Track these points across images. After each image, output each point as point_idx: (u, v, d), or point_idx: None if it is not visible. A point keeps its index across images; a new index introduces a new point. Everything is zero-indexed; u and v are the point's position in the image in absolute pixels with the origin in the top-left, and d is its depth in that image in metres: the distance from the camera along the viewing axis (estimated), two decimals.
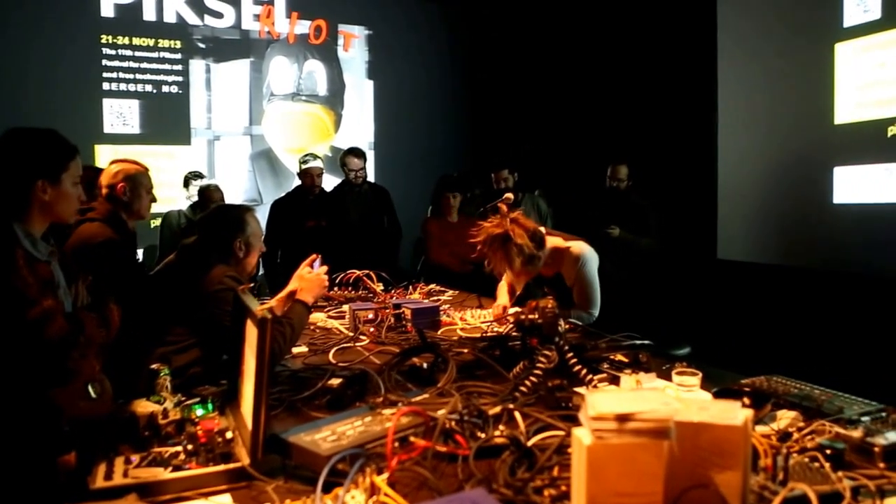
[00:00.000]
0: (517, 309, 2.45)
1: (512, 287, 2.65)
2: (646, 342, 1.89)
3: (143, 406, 1.31)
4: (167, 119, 5.33)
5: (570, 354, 1.54)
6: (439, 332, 2.25)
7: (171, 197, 4.80)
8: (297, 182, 4.39)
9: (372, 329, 2.23)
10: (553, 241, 2.38)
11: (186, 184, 4.51)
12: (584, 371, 1.53)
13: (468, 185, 4.42)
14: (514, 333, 1.89)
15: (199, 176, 4.52)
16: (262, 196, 5.69)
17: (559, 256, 2.36)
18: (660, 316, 3.43)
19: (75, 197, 1.50)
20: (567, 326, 2.05)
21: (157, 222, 4.74)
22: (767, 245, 4.28)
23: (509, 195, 2.79)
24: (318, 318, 2.49)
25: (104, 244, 2.16)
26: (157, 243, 4.40)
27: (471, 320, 2.43)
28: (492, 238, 2.20)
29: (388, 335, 2.19)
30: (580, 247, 2.35)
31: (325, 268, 2.01)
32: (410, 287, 3.19)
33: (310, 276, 1.94)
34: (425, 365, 1.66)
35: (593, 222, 4.13)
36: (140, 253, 4.15)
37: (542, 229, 2.37)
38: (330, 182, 4.84)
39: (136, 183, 2.31)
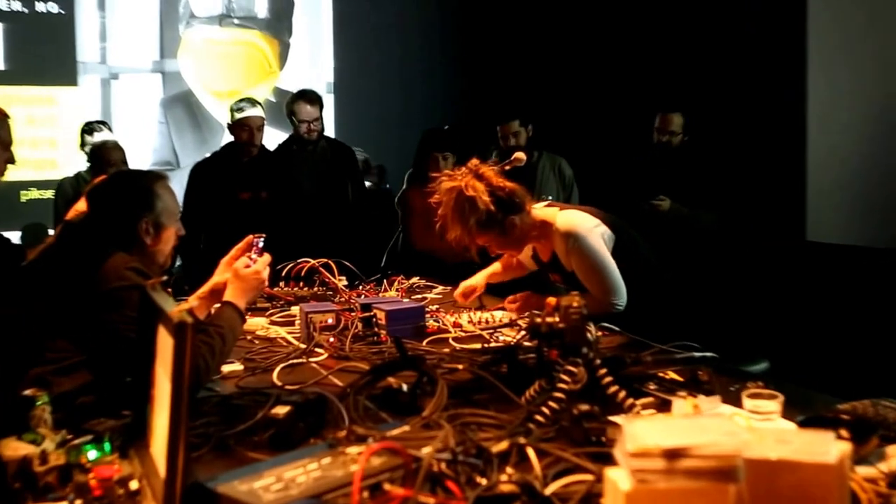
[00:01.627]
0: (505, 304, 2.59)
1: (510, 265, 2.76)
2: (707, 354, 1.90)
3: (13, 448, 1.30)
4: (44, 50, 5.26)
5: (604, 371, 1.55)
6: (425, 343, 2.27)
7: (50, 160, 4.77)
8: (228, 138, 4.38)
9: (332, 339, 2.23)
10: (544, 213, 2.47)
11: (84, 141, 4.44)
12: (622, 393, 1.54)
13: (463, 142, 4.42)
14: (526, 343, 1.90)
15: (102, 128, 4.45)
16: (179, 158, 5.67)
17: (549, 232, 2.44)
18: (727, 319, 3.47)
19: None
20: (599, 333, 2.07)
21: (44, 194, 4.72)
22: (877, 225, 4.31)
23: (520, 155, 2.80)
24: (257, 324, 2.49)
25: None
26: (51, 222, 4.37)
27: (469, 326, 2.45)
28: (445, 193, 2.33)
29: (355, 347, 2.20)
30: (569, 219, 2.42)
31: (267, 256, 2.01)
32: (385, 282, 3.21)
33: (246, 271, 1.93)
34: (405, 387, 1.67)
35: (635, 191, 4.15)
36: (15, 237, 4.13)
37: (542, 203, 2.51)
38: (273, 138, 4.82)
39: None
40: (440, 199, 2.36)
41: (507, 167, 2.67)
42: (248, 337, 2.35)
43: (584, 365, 1.54)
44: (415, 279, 3.37)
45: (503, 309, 2.63)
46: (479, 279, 2.76)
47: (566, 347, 1.55)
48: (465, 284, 2.75)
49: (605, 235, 2.41)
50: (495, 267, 2.81)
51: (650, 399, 1.60)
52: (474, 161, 2.40)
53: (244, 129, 4.17)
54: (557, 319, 1.56)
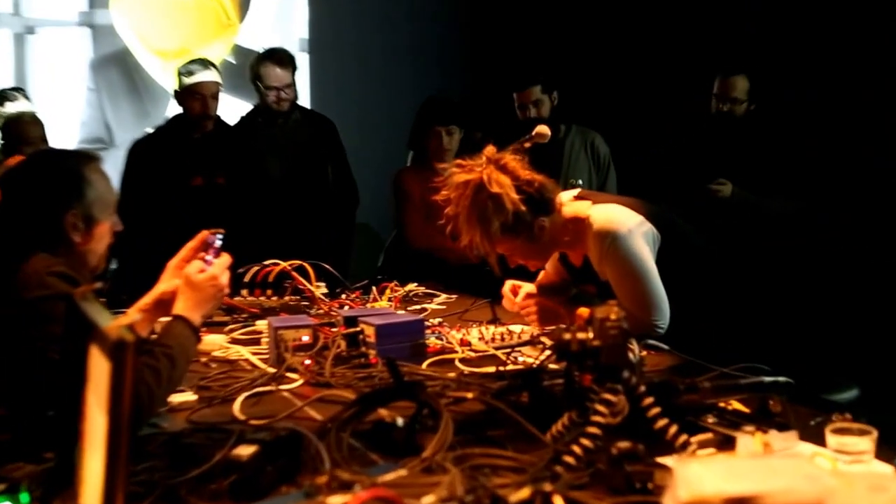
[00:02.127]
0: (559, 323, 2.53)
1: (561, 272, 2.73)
2: (781, 379, 1.90)
3: None
4: None
5: (650, 400, 1.55)
6: (425, 365, 2.28)
7: None
8: (176, 109, 4.40)
9: (308, 361, 2.24)
10: (575, 209, 2.47)
11: None
12: (672, 428, 1.54)
13: (473, 114, 4.43)
14: (552, 365, 1.90)
15: (16, 97, 4.45)
16: (114, 134, 5.67)
17: (582, 233, 2.45)
18: (805, 335, 3.46)
19: None
20: (644, 353, 2.07)
21: None
22: None
23: (543, 129, 2.81)
24: (214, 342, 2.51)
25: None
26: None
27: (480, 344, 2.45)
28: (459, 188, 2.34)
29: (337, 371, 2.21)
30: (605, 215, 2.42)
31: (226, 257, 2.01)
32: (374, 288, 3.23)
33: (200, 276, 1.94)
34: (400, 420, 1.68)
35: (687, 174, 4.14)
36: None
37: (570, 193, 2.51)
38: (233, 109, 4.83)
39: None
40: (450, 195, 2.36)
41: (527, 144, 2.67)
42: (203, 359, 2.36)
43: (624, 393, 1.55)
44: (411, 286, 3.39)
45: (524, 323, 2.64)
46: (526, 289, 2.71)
47: (602, 371, 1.55)
48: (515, 286, 2.71)
49: (650, 236, 2.42)
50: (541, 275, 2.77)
51: (708, 435, 1.60)
52: (491, 148, 2.40)
53: (195, 98, 4.19)
54: (591, 335, 1.56)
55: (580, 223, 2.44)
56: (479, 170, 2.34)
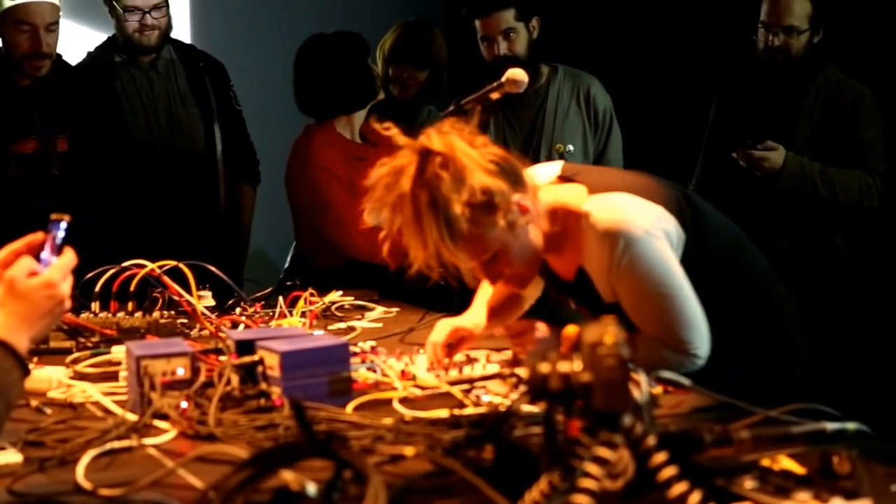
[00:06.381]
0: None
1: (513, 294, 2.76)
2: (850, 426, 1.92)
3: None
4: None
5: (662, 458, 1.56)
6: (350, 408, 2.27)
7: None
8: None
9: (184, 404, 2.22)
10: (560, 196, 2.46)
11: None
12: (694, 496, 1.55)
13: (417, 51, 4.45)
14: (526, 407, 1.91)
15: None
16: None
17: (572, 232, 2.43)
18: (881, 367, 3.47)
19: None
20: (658, 389, 2.07)
21: None
22: None
23: (517, 72, 2.82)
24: (49, 377, 2.47)
25: None
26: None
27: (429, 378, 2.47)
28: (389, 183, 2.27)
29: (226, 418, 2.19)
30: (611, 209, 2.39)
31: (70, 256, 1.99)
32: (281, 299, 3.24)
33: (30, 282, 1.92)
34: (311, 488, 1.67)
35: (722, 135, 4.16)
36: None
37: (549, 170, 2.52)
38: (77, 43, 4.77)
39: None
40: (378, 207, 2.30)
41: (495, 95, 2.68)
42: (35, 402, 2.32)
43: (627, 446, 1.55)
44: (334, 294, 3.39)
45: (495, 349, 2.65)
46: (476, 319, 2.73)
47: (595, 416, 1.55)
48: (441, 330, 2.66)
49: (673, 236, 2.43)
50: (487, 290, 2.80)
51: None
52: (448, 122, 2.34)
53: (21, 29, 4.12)
54: (582, 367, 1.56)
55: (570, 218, 2.42)
56: (411, 147, 2.29)
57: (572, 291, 2.57)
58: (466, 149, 2.25)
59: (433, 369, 2.55)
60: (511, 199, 2.30)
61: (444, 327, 2.64)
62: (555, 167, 2.57)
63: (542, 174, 2.51)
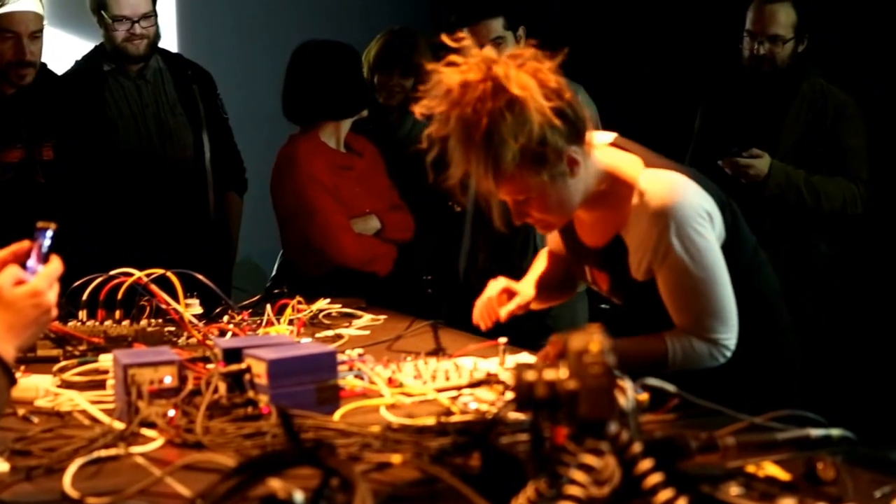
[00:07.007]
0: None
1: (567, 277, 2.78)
2: (835, 432, 1.92)
3: None
4: None
5: (648, 465, 1.56)
6: (338, 416, 2.28)
7: None
8: None
9: (172, 412, 2.22)
10: (615, 161, 2.45)
11: None
12: (679, 501, 1.55)
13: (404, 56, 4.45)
14: (513, 415, 1.91)
15: None
16: None
17: (618, 198, 2.42)
18: (868, 373, 3.47)
19: None
20: (643, 397, 2.08)
21: None
22: None
23: None
24: (36, 387, 2.46)
25: None
26: None
27: (415, 385, 2.47)
28: (455, 93, 2.22)
29: (213, 426, 2.18)
30: (671, 186, 2.40)
31: (56, 264, 1.98)
32: (269, 307, 3.23)
33: (16, 290, 1.91)
34: (299, 496, 1.67)
35: (707, 142, 4.16)
36: None
37: (605, 136, 2.52)
38: (62, 53, 4.76)
39: None
40: (436, 107, 2.25)
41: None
42: (21, 411, 2.32)
43: (614, 453, 1.56)
44: (322, 302, 3.39)
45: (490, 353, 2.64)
46: (523, 286, 2.74)
47: (581, 424, 1.56)
48: (497, 288, 2.72)
49: (718, 227, 2.43)
50: (541, 266, 2.81)
51: None
52: (529, 52, 2.31)
53: (5, 37, 4.10)
54: (568, 374, 1.57)
55: (620, 185, 2.40)
56: (486, 67, 2.23)
57: (598, 257, 2.55)
58: (538, 95, 2.22)
59: (480, 322, 2.72)
60: (564, 153, 2.29)
61: (497, 285, 2.72)
62: (608, 135, 2.56)
63: (600, 136, 2.49)
